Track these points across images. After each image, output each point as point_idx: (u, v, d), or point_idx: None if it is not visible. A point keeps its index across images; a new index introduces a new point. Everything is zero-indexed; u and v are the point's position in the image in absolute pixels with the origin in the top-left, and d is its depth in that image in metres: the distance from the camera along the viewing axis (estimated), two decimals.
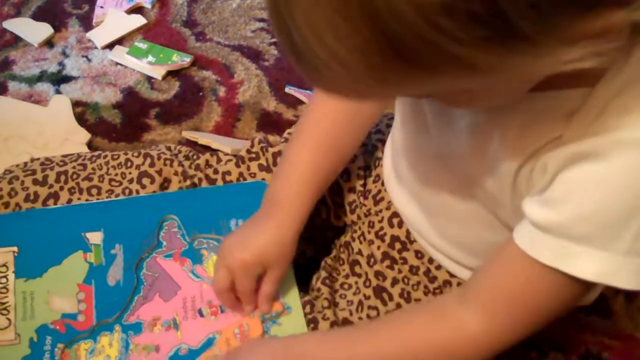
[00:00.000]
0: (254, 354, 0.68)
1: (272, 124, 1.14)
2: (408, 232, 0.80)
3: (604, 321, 0.93)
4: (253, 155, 0.87)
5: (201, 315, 0.75)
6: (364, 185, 0.86)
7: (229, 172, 0.86)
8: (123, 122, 1.14)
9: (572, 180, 0.54)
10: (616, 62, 0.49)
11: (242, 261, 0.73)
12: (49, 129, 1.10)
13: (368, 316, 0.77)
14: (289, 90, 1.19)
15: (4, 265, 0.77)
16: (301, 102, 1.17)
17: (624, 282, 0.55)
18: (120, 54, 1.23)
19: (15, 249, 0.78)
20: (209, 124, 1.14)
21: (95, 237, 0.79)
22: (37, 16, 1.31)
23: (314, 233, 0.88)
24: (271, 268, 0.75)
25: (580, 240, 0.55)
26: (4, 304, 0.75)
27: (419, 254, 0.79)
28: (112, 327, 0.74)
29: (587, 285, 0.58)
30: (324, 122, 0.78)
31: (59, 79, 1.20)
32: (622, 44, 0.45)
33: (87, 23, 1.30)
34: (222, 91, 1.19)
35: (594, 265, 0.55)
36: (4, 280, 0.76)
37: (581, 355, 0.89)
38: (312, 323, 0.76)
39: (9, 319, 0.74)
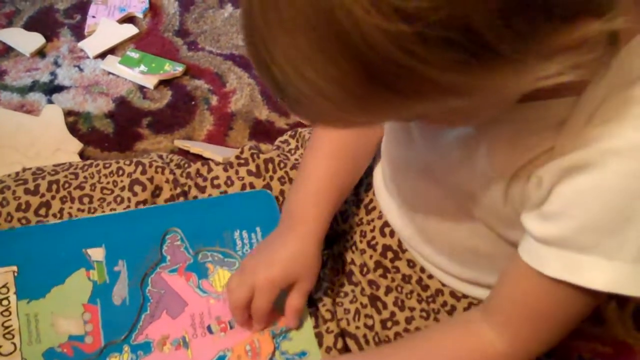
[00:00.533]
0: None
1: (264, 132, 1.14)
2: (400, 242, 0.80)
3: (596, 328, 0.93)
4: (242, 161, 0.87)
5: (210, 332, 0.74)
6: (357, 194, 0.86)
7: (217, 177, 0.86)
8: (115, 131, 1.14)
9: (568, 193, 0.54)
10: (597, 72, 0.50)
11: (269, 279, 0.72)
12: (40, 139, 1.10)
13: (365, 325, 0.78)
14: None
15: (4, 286, 0.75)
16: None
17: (631, 290, 0.55)
18: (112, 64, 1.23)
19: (14, 268, 0.76)
20: (201, 133, 1.14)
21: (97, 254, 0.78)
22: (29, 26, 1.30)
23: None
24: (298, 282, 0.74)
25: (586, 251, 0.55)
26: (7, 327, 0.73)
27: (410, 263, 0.79)
28: (121, 347, 0.72)
29: (602, 293, 0.57)
30: (338, 132, 0.78)
31: (51, 89, 1.20)
32: (600, 54, 0.45)
33: (79, 33, 1.30)
34: (214, 100, 1.19)
35: (603, 275, 0.55)
36: (5, 302, 0.74)
37: None
38: (317, 337, 0.75)
39: (14, 344, 0.72)
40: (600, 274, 0.55)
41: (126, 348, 0.72)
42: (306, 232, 0.75)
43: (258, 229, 0.81)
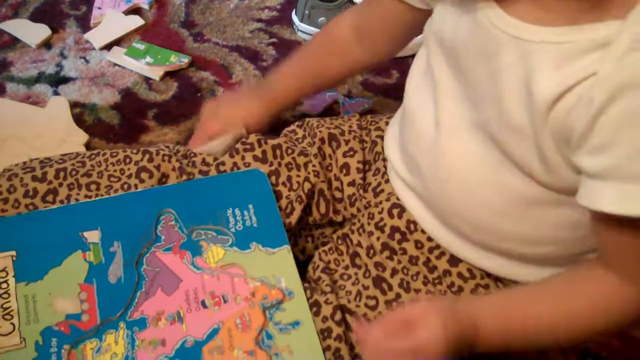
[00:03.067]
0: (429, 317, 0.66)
1: (270, 123, 1.14)
2: (408, 222, 0.80)
3: None
4: (248, 147, 0.87)
5: (204, 306, 0.75)
6: (364, 178, 0.87)
7: (222, 163, 0.87)
8: (121, 123, 1.14)
9: (616, 117, 0.55)
10: None
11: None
12: (46, 130, 1.10)
13: (366, 305, 0.78)
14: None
15: (4, 270, 0.77)
16: (299, 103, 1.17)
17: None
18: (118, 55, 1.23)
19: (13, 253, 0.78)
20: None
21: (92, 236, 0.79)
22: (35, 17, 1.30)
23: (312, 229, 0.88)
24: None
25: (636, 178, 0.56)
26: (6, 309, 0.74)
27: (418, 244, 0.80)
28: (117, 324, 0.74)
29: None
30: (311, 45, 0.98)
31: (57, 80, 1.20)
32: None
33: (84, 24, 1.30)
34: (220, 92, 1.19)
35: None
36: (4, 285, 0.76)
37: (580, 354, 0.90)
38: (315, 307, 0.76)
39: (12, 324, 0.74)
40: None
41: (122, 325, 0.74)
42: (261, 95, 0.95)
43: (250, 206, 0.82)
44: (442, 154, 0.73)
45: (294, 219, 0.84)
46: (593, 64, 0.56)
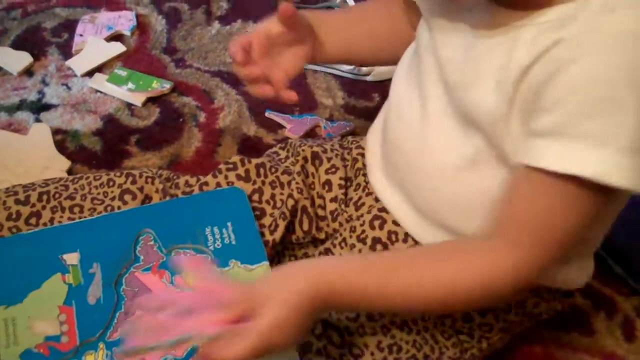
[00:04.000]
0: (286, 279, 0.65)
1: (252, 148, 1.15)
2: (389, 233, 0.81)
3: (585, 338, 0.94)
4: (230, 166, 0.88)
5: None
6: (345, 194, 0.88)
7: (206, 183, 0.87)
8: (103, 149, 1.14)
9: (565, 79, 0.57)
10: None
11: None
12: (29, 157, 1.10)
13: (347, 317, 0.78)
14: (269, 114, 1.20)
15: None
16: (281, 127, 1.18)
17: (623, 181, 0.56)
18: (100, 82, 1.23)
19: None
20: (189, 150, 1.14)
21: (72, 258, 0.79)
22: (17, 45, 1.31)
23: (295, 249, 0.89)
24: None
25: (578, 138, 0.56)
26: None
27: None
28: (96, 345, 0.74)
29: (600, 195, 0.59)
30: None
31: (39, 107, 1.20)
32: None
33: (66, 51, 1.30)
34: (202, 117, 1.20)
35: (593, 163, 0.56)
36: None
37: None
38: None
39: None
40: (591, 162, 0.56)
41: (101, 345, 0.74)
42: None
43: (229, 224, 0.83)
44: (427, 142, 0.74)
45: (277, 235, 0.84)
46: (563, 33, 0.58)
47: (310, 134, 1.17)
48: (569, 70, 0.56)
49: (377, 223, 0.82)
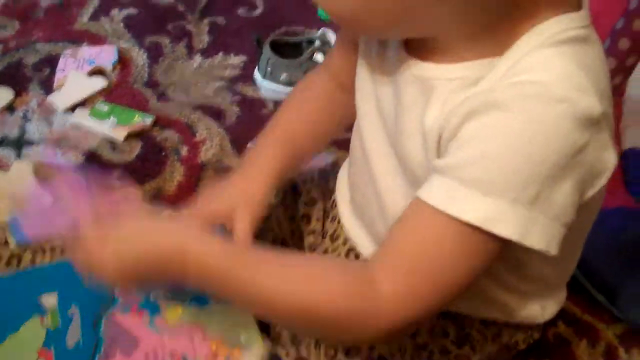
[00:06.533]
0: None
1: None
2: None
3: None
4: None
5: None
6: (323, 226, 0.88)
7: None
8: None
9: (472, 126, 0.58)
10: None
11: (210, 212, 0.76)
12: (10, 194, 1.09)
13: (326, 354, 0.78)
14: (251, 147, 1.20)
15: None
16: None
17: (510, 231, 0.56)
18: (82, 117, 1.23)
19: None
20: (172, 184, 1.14)
21: (49, 300, 0.79)
22: None
23: None
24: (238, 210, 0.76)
25: (470, 184, 0.57)
26: None
27: None
28: None
29: (491, 242, 0.58)
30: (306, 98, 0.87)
31: (21, 143, 1.20)
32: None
33: (48, 86, 1.31)
34: (184, 150, 1.20)
35: (479, 210, 0.57)
36: None
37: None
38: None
39: None
40: (477, 208, 0.57)
41: None
42: (251, 173, 0.79)
43: None
44: (377, 191, 0.74)
45: None
46: (471, 91, 0.60)
47: None
48: (470, 123, 0.58)
49: (352, 254, 0.82)
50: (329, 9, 0.63)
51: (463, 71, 0.61)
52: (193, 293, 0.80)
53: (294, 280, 0.62)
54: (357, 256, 0.82)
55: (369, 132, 0.74)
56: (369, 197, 0.77)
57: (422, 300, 0.60)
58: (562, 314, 0.96)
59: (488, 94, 0.57)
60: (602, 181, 0.60)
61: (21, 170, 1.13)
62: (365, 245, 0.80)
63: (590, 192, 0.60)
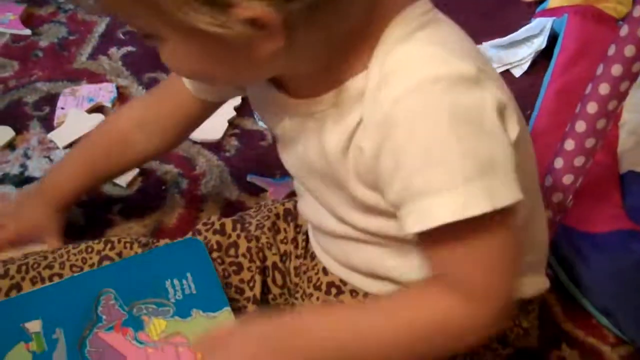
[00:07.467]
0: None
1: (235, 213, 1.14)
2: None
3: None
4: (209, 226, 0.90)
5: None
6: (305, 247, 0.89)
7: None
8: (86, 219, 1.14)
9: (388, 153, 0.60)
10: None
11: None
12: None
13: None
14: (250, 178, 1.21)
15: None
16: (264, 190, 1.19)
17: (476, 209, 0.58)
18: None
19: None
20: (172, 217, 1.15)
21: (34, 326, 0.79)
22: None
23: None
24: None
25: (422, 194, 0.59)
26: None
27: (353, 293, 0.82)
28: None
29: (493, 222, 0.60)
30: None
31: (21, 181, 1.20)
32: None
33: (48, 124, 1.31)
34: (184, 183, 1.21)
35: (447, 209, 0.59)
36: None
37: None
38: None
39: None
40: (444, 209, 0.58)
41: None
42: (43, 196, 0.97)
43: (189, 274, 0.83)
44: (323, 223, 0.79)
45: (257, 291, 0.86)
46: (358, 112, 0.62)
47: (293, 196, 1.18)
48: (385, 146, 0.60)
49: (325, 272, 0.84)
50: (174, 70, 0.68)
51: (343, 93, 0.64)
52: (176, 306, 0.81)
53: (404, 315, 0.67)
54: (326, 272, 0.84)
55: (285, 155, 0.78)
56: (311, 213, 0.81)
57: (504, 294, 0.65)
58: (566, 337, 0.97)
59: (377, 114, 0.60)
60: (516, 121, 0.62)
61: None
62: (328, 262, 0.83)
63: (513, 134, 0.62)
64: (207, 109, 0.92)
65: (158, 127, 0.94)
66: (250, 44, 0.57)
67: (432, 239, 0.62)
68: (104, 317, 0.80)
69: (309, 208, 0.81)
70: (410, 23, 0.61)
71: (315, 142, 0.68)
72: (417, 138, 0.58)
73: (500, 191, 0.59)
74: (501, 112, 0.60)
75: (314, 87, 0.66)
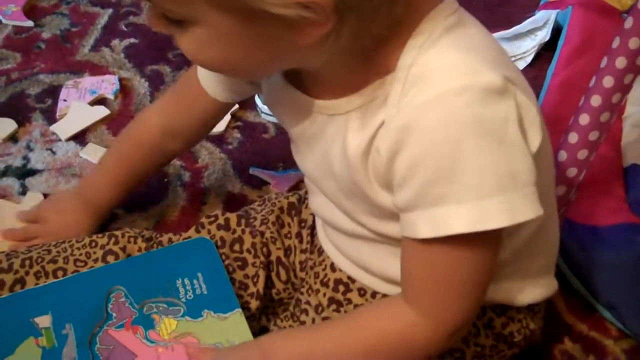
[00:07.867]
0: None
1: (238, 205, 1.15)
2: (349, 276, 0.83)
3: None
4: (212, 219, 0.89)
5: None
6: (311, 242, 0.89)
7: (189, 237, 0.88)
8: None
9: (406, 156, 0.59)
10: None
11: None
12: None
13: None
14: (253, 171, 1.21)
15: None
16: (266, 183, 1.19)
17: (495, 223, 0.59)
18: (91, 152, 1.23)
19: None
20: (175, 210, 1.15)
21: (44, 321, 0.79)
22: (1, 112, 1.31)
23: (276, 307, 0.89)
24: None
25: (439, 202, 0.59)
26: None
27: (361, 291, 0.82)
28: None
29: (485, 238, 0.60)
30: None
31: (24, 173, 1.20)
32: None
33: (50, 117, 1.31)
34: (187, 176, 1.21)
35: (459, 220, 0.59)
36: None
37: None
38: None
39: None
40: (459, 219, 0.59)
41: None
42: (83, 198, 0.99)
43: (199, 274, 0.83)
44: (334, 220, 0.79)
45: (260, 286, 0.86)
46: (382, 115, 0.62)
47: (295, 189, 1.18)
48: (402, 150, 0.60)
49: (337, 266, 0.84)
50: (195, 59, 0.65)
51: (368, 95, 0.63)
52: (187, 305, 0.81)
53: (357, 336, 0.70)
54: (333, 268, 0.84)
55: (301, 157, 0.78)
56: (323, 211, 0.80)
57: (455, 309, 0.66)
58: (568, 331, 0.97)
59: (399, 119, 0.59)
60: (539, 128, 0.62)
61: (34, 201, 1.13)
62: (338, 259, 0.83)
63: (534, 143, 0.61)
64: (224, 109, 0.95)
65: (182, 130, 0.96)
66: (298, 28, 0.56)
67: (424, 251, 0.63)
68: (114, 314, 0.80)
69: (321, 206, 0.80)
70: (438, 26, 0.60)
71: (337, 144, 0.68)
72: (437, 149, 0.58)
73: (519, 206, 0.59)
74: (522, 121, 0.60)
75: (338, 88, 0.66)
